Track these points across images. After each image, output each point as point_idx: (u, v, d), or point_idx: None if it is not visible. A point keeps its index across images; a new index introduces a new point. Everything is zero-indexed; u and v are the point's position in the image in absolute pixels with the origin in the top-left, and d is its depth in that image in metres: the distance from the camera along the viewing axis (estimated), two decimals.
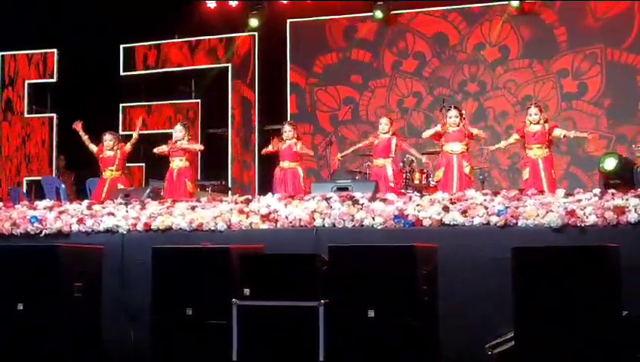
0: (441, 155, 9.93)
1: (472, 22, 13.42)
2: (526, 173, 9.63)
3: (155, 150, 10.84)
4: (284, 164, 10.48)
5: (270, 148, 10.65)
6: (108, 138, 10.78)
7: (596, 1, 12.78)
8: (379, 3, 13.56)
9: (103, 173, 10.68)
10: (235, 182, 13.83)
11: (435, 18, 13.66)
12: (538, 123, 9.62)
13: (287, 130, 10.59)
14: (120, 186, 10.45)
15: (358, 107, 13.77)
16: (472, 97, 13.31)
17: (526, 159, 9.71)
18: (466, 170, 9.68)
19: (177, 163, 10.53)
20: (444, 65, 13.55)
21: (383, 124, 10.37)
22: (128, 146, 10.82)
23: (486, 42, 13.32)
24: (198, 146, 11.04)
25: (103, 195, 10.17)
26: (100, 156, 10.77)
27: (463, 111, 10.11)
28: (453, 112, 9.88)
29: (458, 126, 9.82)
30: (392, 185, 9.94)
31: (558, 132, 9.68)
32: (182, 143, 10.55)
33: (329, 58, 14.09)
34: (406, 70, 13.70)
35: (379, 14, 13.60)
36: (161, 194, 10.10)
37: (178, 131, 10.69)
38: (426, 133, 10.29)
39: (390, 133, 10.29)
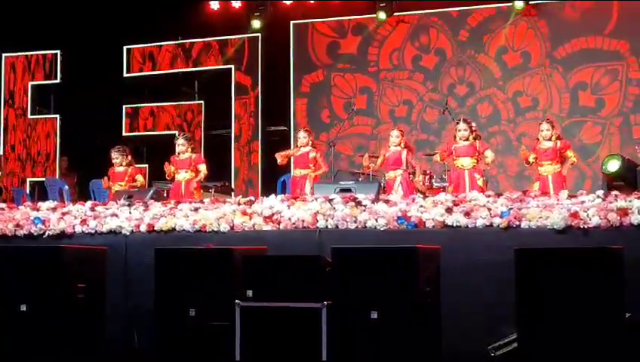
0: (452, 170, 9.78)
1: (476, 23, 13.41)
2: (536, 186, 9.55)
3: (168, 175, 10.48)
4: (296, 172, 10.37)
5: (280, 159, 10.49)
6: (114, 156, 10.59)
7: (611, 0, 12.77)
8: (381, 4, 13.52)
9: (112, 187, 10.45)
10: (238, 184, 13.83)
11: (437, 19, 13.64)
12: (550, 139, 9.56)
13: (302, 136, 10.45)
14: None
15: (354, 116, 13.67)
16: (464, 99, 13.30)
17: (537, 175, 9.64)
18: (479, 182, 9.54)
19: (184, 175, 10.29)
20: (447, 68, 13.54)
21: (394, 136, 10.20)
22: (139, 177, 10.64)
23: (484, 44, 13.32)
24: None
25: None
26: (111, 171, 10.60)
27: (473, 124, 9.93)
28: (462, 125, 9.73)
29: (468, 140, 9.70)
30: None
31: (570, 153, 9.59)
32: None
33: (315, 76, 14.06)
34: (402, 73, 13.67)
35: (382, 16, 13.57)
36: (164, 195, 10.07)
37: (180, 145, 10.45)
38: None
39: (402, 145, 10.18)
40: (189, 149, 10.46)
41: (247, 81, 14.11)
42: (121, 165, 10.57)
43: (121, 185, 10.41)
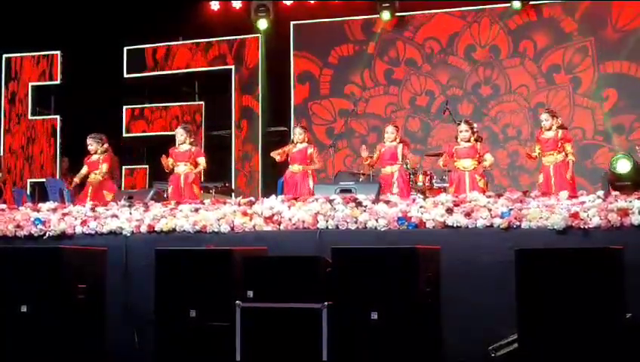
0: (453, 171, 9.77)
1: (479, 23, 13.44)
2: (540, 178, 9.57)
3: (166, 168, 10.39)
4: (294, 167, 10.34)
5: (278, 157, 10.47)
6: (89, 142, 10.51)
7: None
8: (385, 4, 13.53)
9: (89, 177, 10.41)
10: (238, 184, 13.83)
11: (443, 19, 13.66)
12: (550, 129, 9.56)
13: (298, 132, 10.45)
14: (104, 192, 10.20)
15: (369, 101, 13.74)
16: (481, 100, 13.31)
17: (541, 167, 9.64)
18: (480, 183, 9.54)
19: (183, 168, 10.27)
20: (449, 68, 13.55)
21: (389, 132, 10.23)
22: (104, 167, 10.37)
23: (481, 44, 13.33)
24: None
25: (88, 200, 9.86)
26: (87, 160, 10.55)
27: (475, 126, 9.92)
28: (463, 127, 9.72)
29: (469, 141, 9.71)
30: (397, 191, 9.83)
31: (568, 148, 9.59)
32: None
33: (345, 49, 14.03)
34: (415, 70, 13.71)
35: (386, 16, 13.57)
36: (165, 196, 10.05)
37: (179, 135, 10.45)
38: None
39: (397, 140, 10.21)
40: (188, 141, 10.43)
41: (256, 107, 14.10)
42: (97, 152, 10.46)
43: (96, 174, 10.35)
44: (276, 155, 10.55)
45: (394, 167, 10.09)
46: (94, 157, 10.48)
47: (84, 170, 10.52)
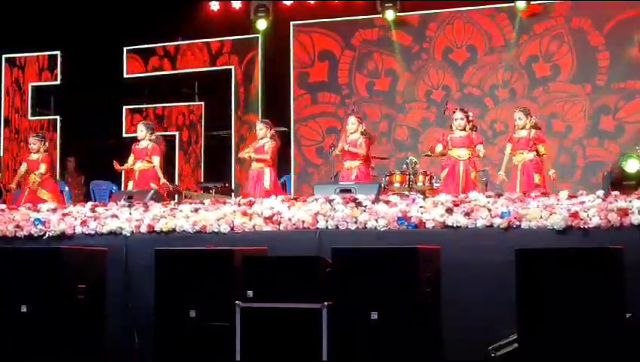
0: (447, 158, 9.76)
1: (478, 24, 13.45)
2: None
3: (120, 166, 10.43)
4: (253, 164, 10.29)
5: (246, 155, 10.35)
6: (32, 141, 10.45)
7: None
8: (387, 4, 13.49)
9: (30, 177, 10.30)
10: (238, 184, 13.83)
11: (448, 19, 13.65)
12: (524, 128, 9.56)
13: (259, 128, 10.35)
14: (42, 191, 10.19)
15: (388, 87, 13.70)
16: (495, 101, 13.31)
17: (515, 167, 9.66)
18: (472, 175, 9.57)
19: (139, 164, 10.31)
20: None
21: (350, 123, 10.08)
22: (43, 167, 10.28)
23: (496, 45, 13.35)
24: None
25: (22, 202, 9.81)
26: (27, 159, 10.51)
27: (470, 114, 9.88)
28: (458, 114, 9.69)
29: (464, 129, 9.69)
30: None
31: (542, 149, 9.57)
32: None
33: (369, 33, 13.96)
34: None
35: (390, 15, 13.54)
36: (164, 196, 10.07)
37: (139, 130, 10.47)
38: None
39: (358, 132, 10.04)
40: (148, 137, 10.39)
41: (248, 82, 14.10)
42: (38, 151, 10.38)
43: (35, 175, 10.27)
44: (244, 155, 10.45)
45: (354, 162, 9.95)
46: (34, 157, 10.42)
47: (24, 167, 10.46)
